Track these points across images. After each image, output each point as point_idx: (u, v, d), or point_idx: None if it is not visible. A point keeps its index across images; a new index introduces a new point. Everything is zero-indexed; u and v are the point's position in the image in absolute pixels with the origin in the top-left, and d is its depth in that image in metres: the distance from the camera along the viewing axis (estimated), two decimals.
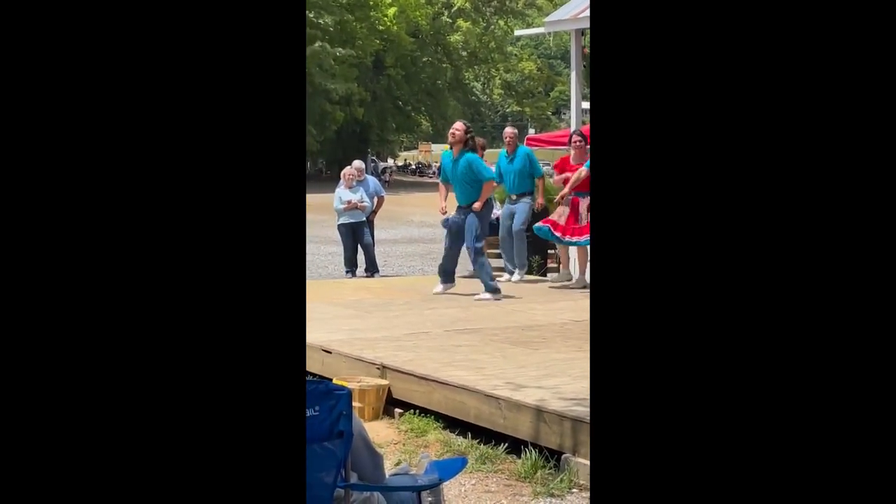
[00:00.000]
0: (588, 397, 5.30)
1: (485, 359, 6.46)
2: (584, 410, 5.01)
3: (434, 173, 50.07)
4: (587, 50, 11.32)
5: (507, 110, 59.54)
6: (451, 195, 10.17)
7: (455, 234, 9.80)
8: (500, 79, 57.20)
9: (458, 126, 9.83)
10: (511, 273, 10.83)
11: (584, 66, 11.34)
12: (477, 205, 9.58)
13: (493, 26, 52.13)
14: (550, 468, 4.91)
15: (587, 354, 7.28)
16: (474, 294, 9.60)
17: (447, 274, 10.02)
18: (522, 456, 5.03)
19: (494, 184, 10.03)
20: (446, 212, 10.21)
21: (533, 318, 8.28)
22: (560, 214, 10.15)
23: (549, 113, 57.64)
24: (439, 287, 9.95)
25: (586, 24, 11.19)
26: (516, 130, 11.41)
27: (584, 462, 4.80)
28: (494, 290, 9.54)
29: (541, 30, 13.77)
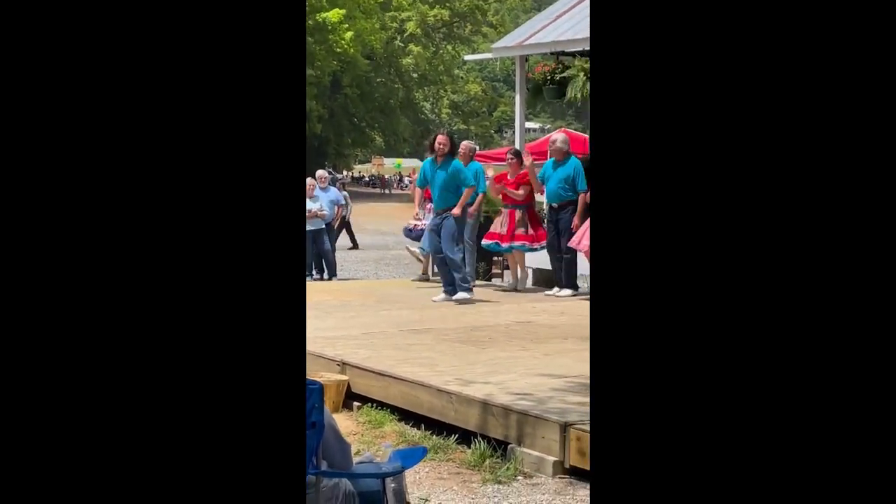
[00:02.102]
0: (532, 392, 5.36)
1: (437, 356, 6.48)
2: (528, 404, 5.05)
3: (371, 184, 50.05)
4: (531, 74, 11.38)
5: (454, 128, 59.61)
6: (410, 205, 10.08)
7: (434, 237, 9.43)
8: (447, 99, 57.25)
9: (442, 140, 9.37)
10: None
11: (528, 89, 11.39)
12: (456, 210, 9.24)
13: (441, 51, 52.21)
14: (497, 457, 4.94)
15: (530, 353, 7.34)
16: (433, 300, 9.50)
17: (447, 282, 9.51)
18: (472, 446, 5.06)
19: (472, 191, 9.54)
20: (420, 218, 10.11)
21: (480, 319, 8.31)
22: (500, 224, 10.21)
23: (493, 131, 57.79)
24: (440, 296, 9.46)
25: (530, 51, 11.29)
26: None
27: (528, 451, 4.83)
28: (452, 293, 9.36)
29: (488, 55, 13.82)
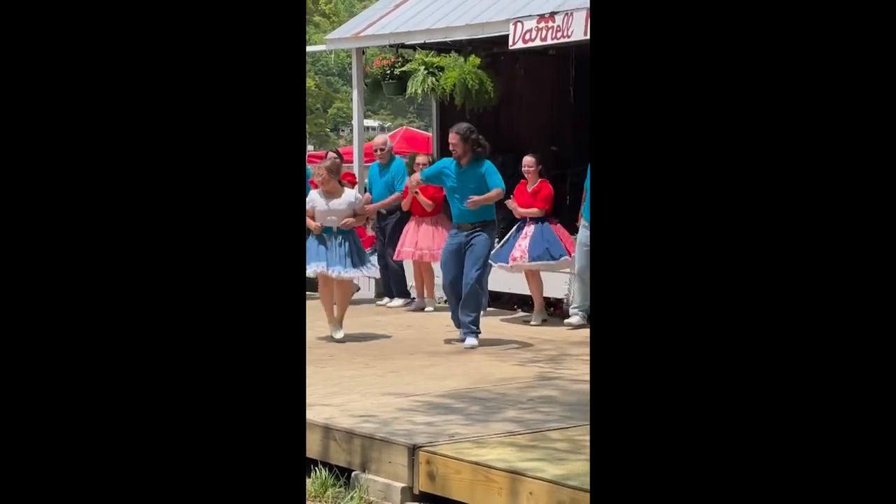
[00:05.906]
0: (376, 413, 5.37)
1: None
2: (372, 427, 5.07)
3: None
4: (369, 68, 11.39)
5: None
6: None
7: (457, 259, 7.79)
8: None
9: (454, 139, 7.72)
10: None
11: (366, 84, 11.40)
12: (477, 198, 7.59)
13: None
14: (340, 486, 4.94)
15: (374, 371, 7.32)
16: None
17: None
18: (312, 475, 5.04)
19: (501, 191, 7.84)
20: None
21: (317, 334, 8.26)
22: None
23: (328, 130, 57.63)
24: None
25: (367, 43, 11.30)
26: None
27: (373, 478, 4.85)
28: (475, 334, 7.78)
29: (321, 47, 13.77)
